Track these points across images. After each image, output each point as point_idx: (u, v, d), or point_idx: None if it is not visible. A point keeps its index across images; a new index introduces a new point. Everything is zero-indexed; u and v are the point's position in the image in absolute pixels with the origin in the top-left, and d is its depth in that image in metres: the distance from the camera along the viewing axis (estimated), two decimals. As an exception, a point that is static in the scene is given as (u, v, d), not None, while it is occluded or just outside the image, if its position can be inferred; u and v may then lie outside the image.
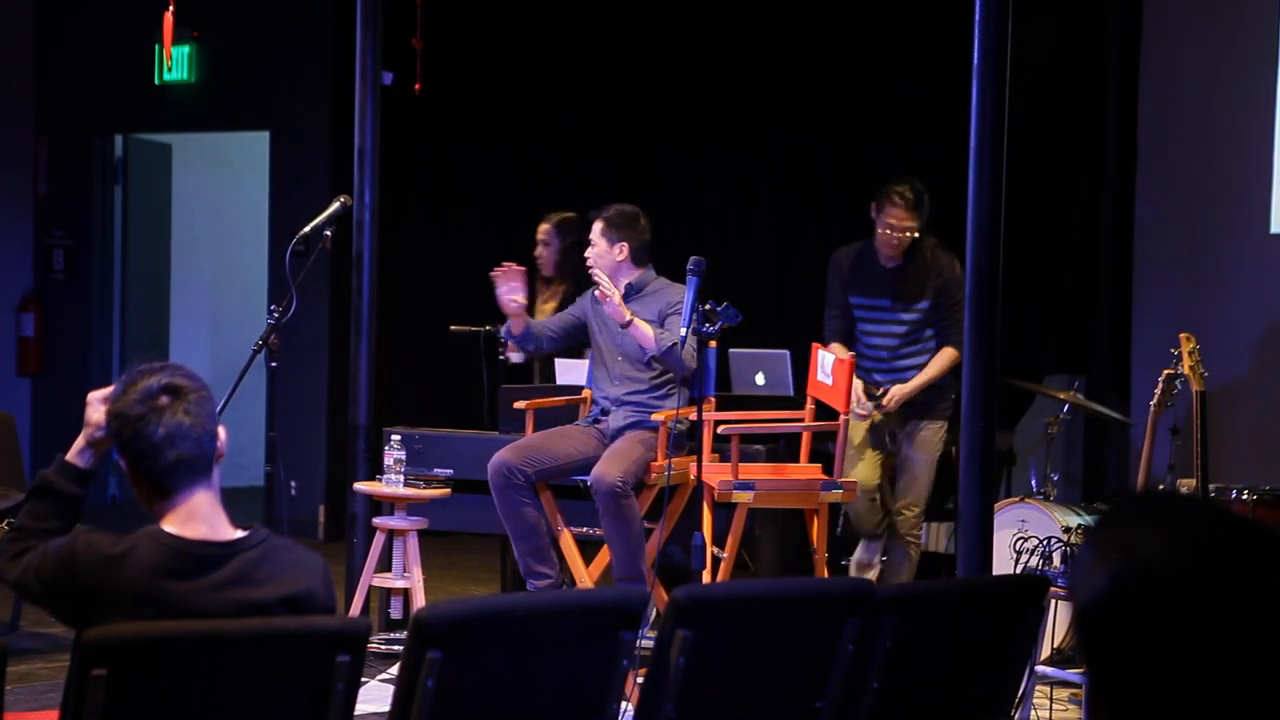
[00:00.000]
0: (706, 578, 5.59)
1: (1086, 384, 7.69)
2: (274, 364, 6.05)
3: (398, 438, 6.31)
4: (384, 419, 6.83)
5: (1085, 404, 7.08)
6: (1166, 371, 5.98)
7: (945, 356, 6.57)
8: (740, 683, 3.65)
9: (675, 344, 5.93)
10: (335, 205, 6.26)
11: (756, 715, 3.72)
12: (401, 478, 6.18)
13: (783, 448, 7.00)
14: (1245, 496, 5.93)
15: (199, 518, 2.91)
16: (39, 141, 10.57)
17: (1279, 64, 7.11)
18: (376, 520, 6.32)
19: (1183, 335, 6.06)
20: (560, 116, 9.33)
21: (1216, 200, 7.36)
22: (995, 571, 4.92)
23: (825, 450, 6.50)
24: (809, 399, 6.41)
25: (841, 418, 6.08)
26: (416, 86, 7.76)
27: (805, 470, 6.29)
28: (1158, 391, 5.97)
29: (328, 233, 6.19)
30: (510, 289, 6.18)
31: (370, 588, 6.28)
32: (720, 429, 6.13)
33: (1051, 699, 5.59)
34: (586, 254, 6.35)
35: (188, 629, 2.85)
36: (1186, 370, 5.95)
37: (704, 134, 9.02)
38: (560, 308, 7.16)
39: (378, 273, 6.61)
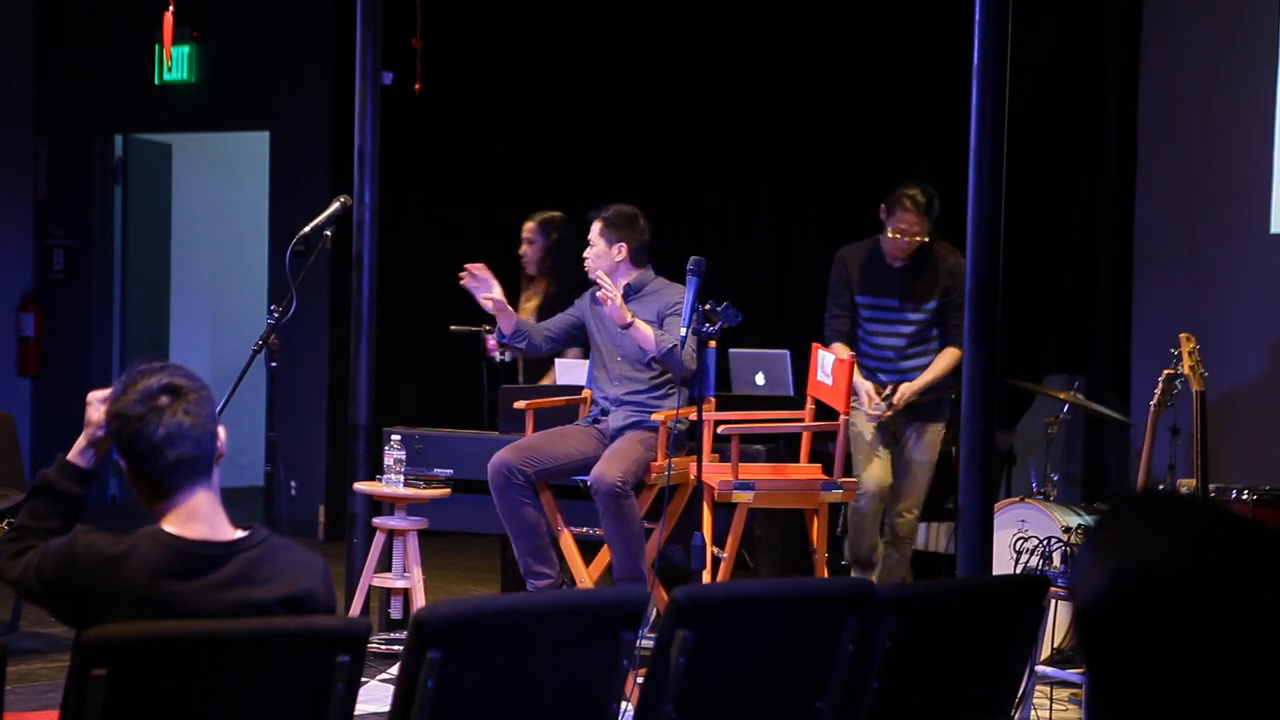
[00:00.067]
0: (706, 578, 5.58)
1: (1086, 384, 7.69)
2: (274, 364, 6.05)
3: (398, 438, 6.31)
4: (384, 419, 6.82)
5: (1085, 404, 7.08)
6: (1166, 371, 5.98)
7: (950, 355, 6.53)
8: (740, 683, 3.65)
9: (675, 345, 5.92)
10: (335, 205, 6.26)
11: (756, 715, 3.72)
12: (401, 478, 6.18)
13: (783, 448, 6.99)
14: (1245, 496, 5.93)
15: (199, 518, 2.91)
16: (39, 141, 10.57)
17: (1279, 64, 7.11)
18: (376, 520, 6.32)
19: (1183, 335, 6.06)
20: (560, 116, 9.33)
21: (1216, 200, 7.36)
22: (995, 571, 4.92)
23: (825, 450, 6.50)
24: (809, 399, 6.41)
25: (841, 418, 6.08)
26: (416, 86, 7.76)
27: (805, 470, 6.29)
28: (1158, 391, 5.96)
29: (328, 233, 6.19)
30: (479, 288, 6.17)
31: (370, 588, 6.28)
32: (720, 429, 6.12)
33: (1051, 699, 5.59)
34: (585, 254, 6.35)
35: (188, 629, 2.85)
36: (1186, 370, 5.95)
37: (704, 134, 9.02)
38: (542, 305, 7.18)
39: (378, 273, 6.61)
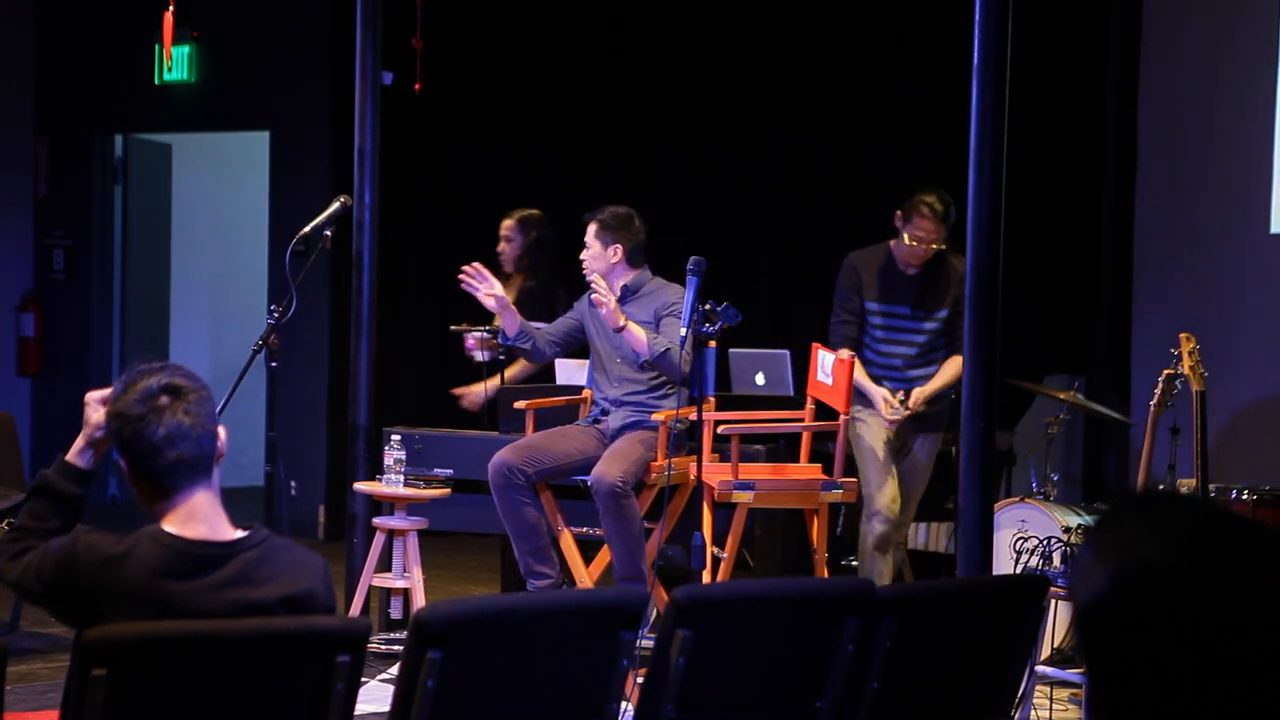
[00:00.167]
0: (706, 578, 5.58)
1: (1086, 384, 7.69)
2: (274, 364, 6.05)
3: (398, 438, 6.31)
4: (384, 419, 6.83)
5: (1085, 404, 7.07)
6: (1166, 371, 5.97)
7: (958, 363, 6.36)
8: (740, 683, 3.65)
9: (669, 348, 5.91)
10: (335, 205, 6.26)
11: (756, 715, 3.72)
12: (401, 478, 6.18)
13: (783, 448, 6.99)
14: (1245, 496, 5.93)
15: (199, 518, 2.91)
16: (39, 141, 10.57)
17: (1279, 64, 7.11)
18: (376, 520, 6.32)
19: (1183, 335, 6.06)
20: (560, 116, 9.33)
21: (1216, 200, 7.36)
22: (995, 571, 4.92)
23: (825, 450, 6.49)
24: (809, 399, 6.40)
25: (841, 418, 6.07)
26: (416, 86, 7.76)
27: (805, 470, 6.29)
28: (1158, 391, 5.96)
29: (328, 233, 6.19)
30: (479, 288, 6.17)
31: (370, 588, 6.28)
32: (720, 429, 6.12)
33: (1051, 699, 5.59)
34: (582, 257, 6.35)
35: (188, 629, 2.85)
36: (1186, 370, 5.95)
37: (704, 134, 9.02)
38: (517, 302, 7.18)
39: (378, 273, 6.61)
